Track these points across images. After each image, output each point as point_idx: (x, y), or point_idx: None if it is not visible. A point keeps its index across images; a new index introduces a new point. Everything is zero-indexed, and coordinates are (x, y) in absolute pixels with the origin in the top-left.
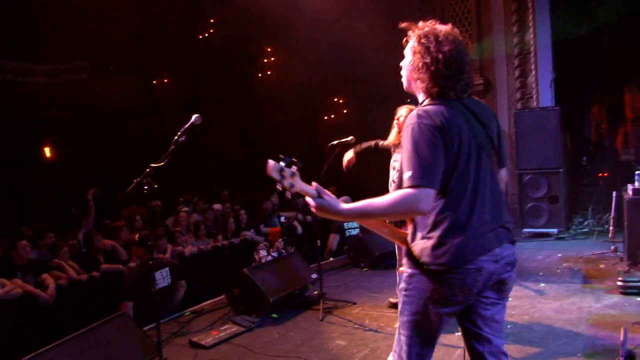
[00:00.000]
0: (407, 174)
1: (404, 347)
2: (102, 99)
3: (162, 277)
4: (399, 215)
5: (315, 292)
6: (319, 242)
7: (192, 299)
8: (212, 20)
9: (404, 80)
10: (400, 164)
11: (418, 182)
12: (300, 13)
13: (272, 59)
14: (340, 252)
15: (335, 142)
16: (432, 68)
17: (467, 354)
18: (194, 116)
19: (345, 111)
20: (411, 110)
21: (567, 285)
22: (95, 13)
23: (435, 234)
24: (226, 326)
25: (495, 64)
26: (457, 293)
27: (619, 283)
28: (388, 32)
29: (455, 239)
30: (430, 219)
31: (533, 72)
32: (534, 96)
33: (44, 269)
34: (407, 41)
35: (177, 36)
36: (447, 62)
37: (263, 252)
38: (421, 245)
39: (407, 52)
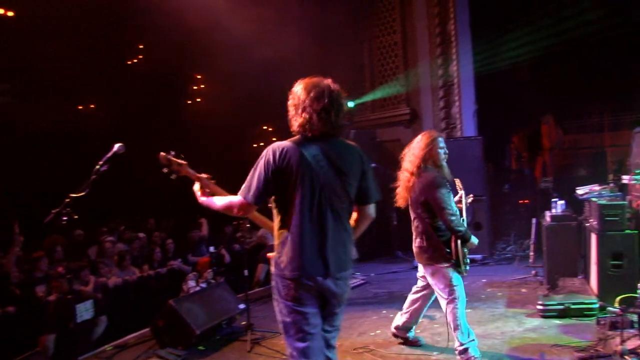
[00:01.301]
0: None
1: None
2: (26, 125)
3: (85, 310)
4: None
5: (243, 323)
6: (246, 271)
7: (116, 332)
8: (140, 46)
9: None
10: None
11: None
12: (228, 41)
13: (202, 86)
14: (268, 282)
15: None
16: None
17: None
18: (117, 145)
19: (274, 139)
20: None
21: (491, 310)
22: (19, 35)
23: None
24: None
25: (420, 94)
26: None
27: (539, 307)
28: (318, 64)
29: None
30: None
31: (457, 103)
32: (458, 126)
33: None
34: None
35: (105, 61)
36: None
37: (192, 283)
38: None
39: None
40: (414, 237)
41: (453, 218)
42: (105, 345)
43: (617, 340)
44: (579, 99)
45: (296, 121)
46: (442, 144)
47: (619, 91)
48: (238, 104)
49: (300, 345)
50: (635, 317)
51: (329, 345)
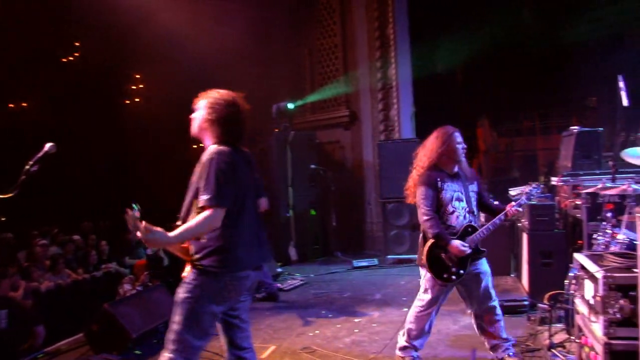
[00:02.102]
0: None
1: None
2: None
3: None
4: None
5: None
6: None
7: (48, 338)
8: (76, 44)
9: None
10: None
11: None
12: (167, 40)
13: (140, 86)
14: None
15: None
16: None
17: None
18: (48, 145)
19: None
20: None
21: None
22: None
23: None
24: None
25: (360, 97)
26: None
27: None
28: (257, 66)
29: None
30: None
31: (395, 106)
32: (396, 128)
33: None
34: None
35: (38, 58)
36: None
37: (128, 286)
38: None
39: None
40: None
41: (425, 218)
42: (36, 352)
43: (546, 334)
44: (513, 104)
45: (216, 131)
46: (459, 139)
47: (549, 97)
48: (177, 104)
49: None
50: (562, 313)
51: None
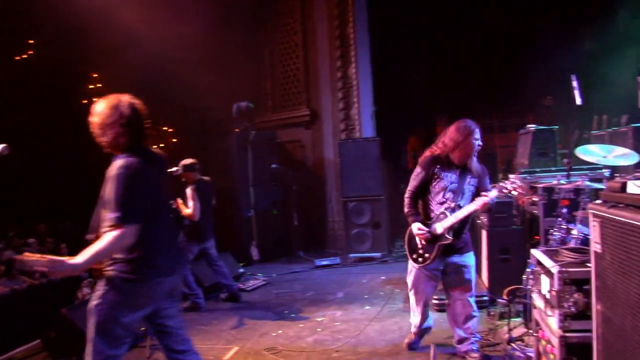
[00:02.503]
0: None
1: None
2: None
3: None
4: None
5: (142, 329)
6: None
7: (3, 346)
8: (31, 42)
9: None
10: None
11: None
12: (127, 40)
13: (98, 85)
14: None
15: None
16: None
17: None
18: (0, 146)
19: (174, 140)
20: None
21: (389, 307)
22: None
23: None
24: None
25: (320, 96)
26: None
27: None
28: (218, 65)
29: None
30: None
31: (356, 104)
32: (357, 127)
33: None
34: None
35: None
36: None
37: (87, 290)
38: None
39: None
40: None
41: (405, 196)
42: None
43: (505, 329)
44: (471, 102)
45: (119, 136)
46: (477, 135)
47: (507, 95)
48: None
49: None
50: (521, 307)
51: None
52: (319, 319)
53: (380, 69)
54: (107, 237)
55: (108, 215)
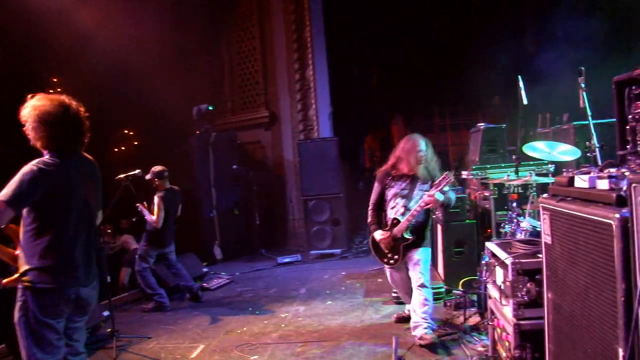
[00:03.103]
0: None
1: None
2: None
3: None
4: None
5: (108, 330)
6: (108, 277)
7: None
8: None
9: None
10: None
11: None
12: (88, 45)
13: (58, 89)
14: (132, 287)
15: (122, 175)
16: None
17: None
18: None
19: (135, 143)
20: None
21: (350, 301)
22: None
23: None
24: None
25: (279, 98)
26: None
27: (394, 294)
28: (177, 69)
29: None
30: None
31: (313, 106)
32: (315, 128)
33: None
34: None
35: None
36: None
37: None
38: None
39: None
40: None
41: (369, 209)
42: None
43: (461, 318)
44: (424, 103)
45: (44, 137)
46: (420, 147)
47: (458, 96)
48: (97, 108)
49: None
50: (475, 297)
51: None
52: (283, 315)
53: (337, 71)
54: None
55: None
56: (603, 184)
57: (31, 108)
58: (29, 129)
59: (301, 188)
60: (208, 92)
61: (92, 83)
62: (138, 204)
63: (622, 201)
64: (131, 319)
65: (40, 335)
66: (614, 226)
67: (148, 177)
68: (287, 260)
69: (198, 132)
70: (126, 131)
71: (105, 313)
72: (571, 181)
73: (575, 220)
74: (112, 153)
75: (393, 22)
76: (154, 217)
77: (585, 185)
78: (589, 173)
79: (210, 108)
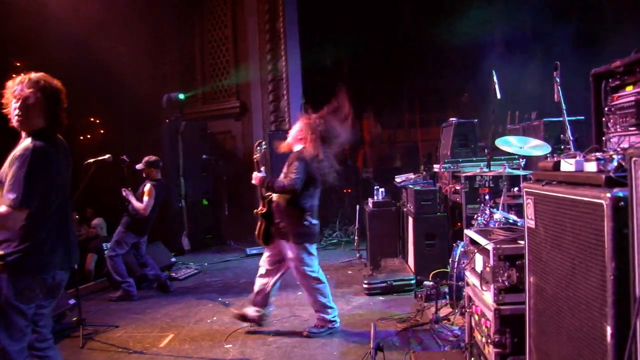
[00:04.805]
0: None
1: None
2: None
3: None
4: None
5: (74, 319)
6: (75, 265)
7: None
8: None
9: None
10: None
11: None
12: (54, 28)
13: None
14: (99, 274)
15: (91, 160)
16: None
17: None
18: None
19: (102, 131)
20: None
21: None
22: None
23: None
24: None
25: (250, 88)
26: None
27: (365, 286)
28: (147, 56)
29: None
30: None
31: (285, 97)
32: (286, 119)
33: None
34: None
35: None
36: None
37: None
38: None
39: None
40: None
41: None
42: None
43: (432, 309)
44: (394, 97)
45: (36, 118)
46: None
47: (427, 92)
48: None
49: None
50: (446, 289)
51: None
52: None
53: (310, 62)
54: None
55: (6, 195)
56: (591, 167)
57: (33, 83)
58: (15, 110)
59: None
60: (179, 80)
61: (58, 67)
62: (124, 189)
63: (611, 182)
64: (98, 308)
65: (10, 320)
66: (605, 206)
67: (139, 166)
68: (255, 251)
69: (168, 121)
70: (92, 119)
71: (71, 301)
72: (557, 165)
73: (563, 203)
74: (77, 141)
75: (366, 14)
76: (142, 205)
77: (572, 168)
78: (574, 157)
79: (181, 96)
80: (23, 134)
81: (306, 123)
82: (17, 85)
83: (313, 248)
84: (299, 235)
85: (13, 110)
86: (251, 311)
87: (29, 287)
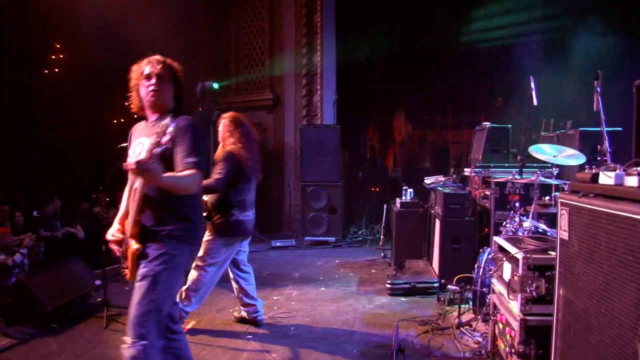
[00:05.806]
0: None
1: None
2: None
3: None
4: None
5: (99, 299)
6: (103, 247)
7: None
8: None
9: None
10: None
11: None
12: (90, 12)
13: (61, 55)
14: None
15: (124, 144)
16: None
17: None
18: None
19: (134, 116)
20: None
21: (344, 289)
22: None
23: None
24: None
25: (284, 81)
26: None
27: (388, 285)
28: (182, 43)
29: None
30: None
31: (318, 92)
32: (319, 114)
33: None
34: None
35: None
36: None
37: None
38: None
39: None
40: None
41: None
42: None
43: (455, 314)
44: (427, 98)
45: (173, 97)
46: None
47: (461, 94)
48: (99, 78)
49: None
50: (470, 294)
51: None
52: (275, 298)
53: (344, 59)
54: (186, 172)
55: (186, 159)
56: (632, 181)
57: (169, 65)
58: (161, 86)
59: (300, 173)
60: (213, 70)
61: (92, 51)
62: None
63: None
64: (122, 290)
65: (174, 291)
66: None
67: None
68: (280, 244)
69: (201, 109)
70: (126, 103)
71: (98, 282)
72: (595, 177)
73: (599, 217)
74: (111, 124)
75: (403, 14)
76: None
77: (611, 182)
78: (614, 170)
79: (215, 86)
80: (152, 116)
81: (224, 124)
82: (156, 64)
83: (244, 244)
84: (225, 228)
85: (147, 88)
86: (244, 313)
87: (187, 258)
